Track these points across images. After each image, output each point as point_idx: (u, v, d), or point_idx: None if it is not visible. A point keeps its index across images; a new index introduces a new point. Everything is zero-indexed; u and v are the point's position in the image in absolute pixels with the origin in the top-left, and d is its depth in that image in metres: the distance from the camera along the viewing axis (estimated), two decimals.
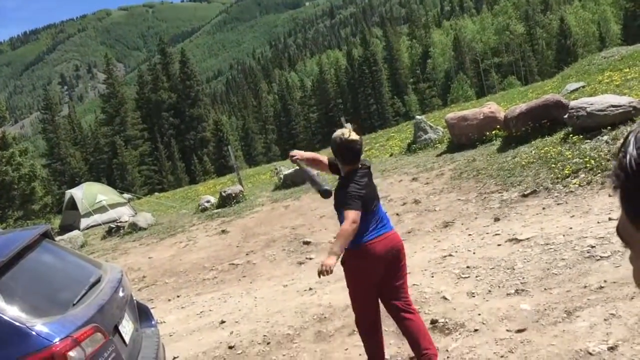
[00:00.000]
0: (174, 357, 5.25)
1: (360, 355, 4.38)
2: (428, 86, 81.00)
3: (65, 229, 18.62)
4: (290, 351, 4.77)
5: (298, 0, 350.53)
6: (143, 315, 4.06)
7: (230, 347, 5.12)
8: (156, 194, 35.05)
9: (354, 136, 3.85)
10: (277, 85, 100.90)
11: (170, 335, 6.02)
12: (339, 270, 5.00)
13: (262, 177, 21.86)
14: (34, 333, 2.78)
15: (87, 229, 17.81)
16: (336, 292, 5.94)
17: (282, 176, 15.68)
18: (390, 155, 15.81)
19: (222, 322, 6.00)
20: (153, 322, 4.12)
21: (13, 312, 2.84)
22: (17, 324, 2.78)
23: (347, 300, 5.46)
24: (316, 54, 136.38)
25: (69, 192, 20.92)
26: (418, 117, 15.38)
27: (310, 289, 6.44)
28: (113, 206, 19.06)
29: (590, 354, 3.36)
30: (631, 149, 0.56)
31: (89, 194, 19.46)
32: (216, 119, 72.28)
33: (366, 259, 3.65)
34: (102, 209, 18.81)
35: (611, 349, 3.35)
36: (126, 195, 24.23)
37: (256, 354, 4.86)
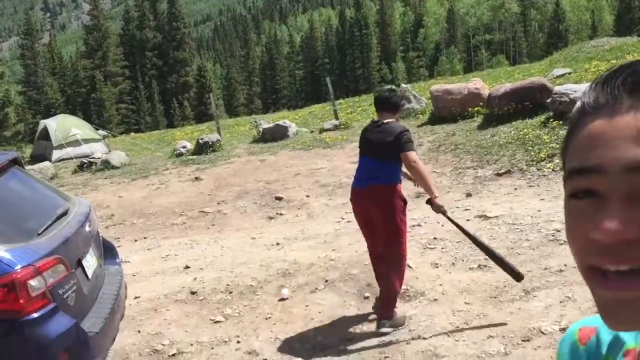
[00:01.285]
0: (136, 297, 5.26)
1: (320, 313, 4.46)
2: (417, 55, 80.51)
3: (36, 158, 18.33)
4: (251, 302, 4.82)
5: None
6: (108, 252, 4.05)
7: (193, 293, 5.15)
8: (132, 134, 34.60)
9: None
10: (266, 37, 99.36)
11: (134, 275, 6.03)
12: (307, 229, 5.03)
13: (241, 129, 21.67)
14: None
15: (59, 161, 17.55)
16: (302, 250, 6.00)
17: (261, 129, 15.58)
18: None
19: (187, 267, 6.02)
20: (117, 260, 4.11)
21: None
22: None
23: (311, 259, 5.54)
24: (309, 9, 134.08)
25: (43, 122, 20.53)
26: (403, 85, 15.34)
27: (278, 244, 6.48)
28: (87, 141, 18.77)
29: (543, 332, 3.47)
30: None
31: (63, 126, 19.11)
32: (200, 64, 71.07)
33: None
34: (75, 143, 18.51)
35: (563, 330, 3.45)
36: (101, 132, 23.85)
37: (217, 302, 4.90)
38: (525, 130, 9.18)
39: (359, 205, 4.20)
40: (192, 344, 4.19)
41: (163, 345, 4.22)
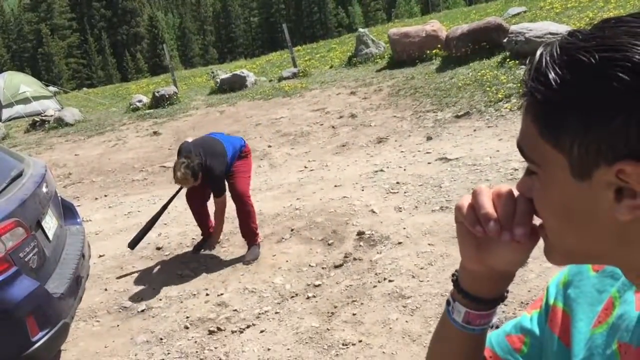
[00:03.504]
0: (100, 255, 5.21)
1: (287, 261, 4.50)
2: None
3: None
4: (217, 254, 4.82)
5: None
6: (68, 212, 3.97)
7: (158, 249, 5.13)
8: (84, 89, 33.53)
9: None
10: None
11: (97, 234, 5.96)
12: (270, 179, 5.01)
13: (198, 80, 21.22)
14: None
15: (9, 120, 16.91)
16: (267, 201, 6.00)
17: (218, 80, 15.28)
18: (331, 67, 15.62)
19: None
20: (78, 220, 4.03)
21: None
22: None
23: (276, 209, 5.56)
24: None
25: None
26: (361, 29, 15.15)
27: None
28: (37, 99, 18.09)
29: None
30: (550, 66, 0.56)
31: (11, 83, 18.34)
32: (151, 14, 68.85)
33: None
34: (25, 101, 17.82)
35: (527, 265, 3.58)
36: (52, 88, 23.07)
37: (183, 256, 4.89)
38: (482, 71, 9.23)
39: None
40: (160, 299, 4.20)
41: (131, 302, 4.21)
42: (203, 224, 4.98)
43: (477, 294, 0.74)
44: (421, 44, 12.16)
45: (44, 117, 14.78)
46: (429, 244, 4.25)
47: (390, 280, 3.79)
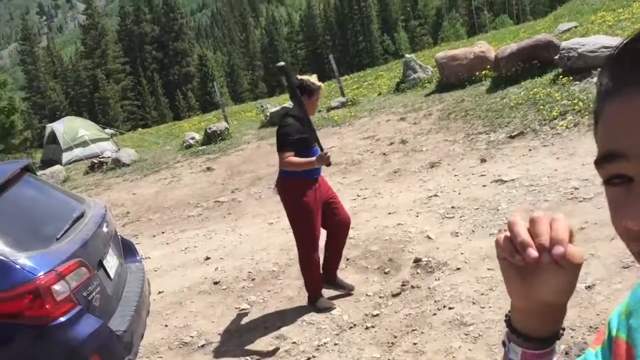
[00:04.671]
0: (159, 292, 5.29)
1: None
2: (419, 24, 79.54)
3: (46, 163, 18.43)
4: (274, 287, 4.82)
5: None
6: (127, 250, 4.06)
7: (216, 283, 5.17)
8: (139, 129, 34.65)
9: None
10: (265, 19, 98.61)
11: (155, 271, 6.07)
12: None
13: (248, 115, 21.63)
14: (18, 267, 2.77)
15: (69, 163, 17.63)
16: (322, 232, 5.98)
17: (268, 114, 15.53)
18: (379, 94, 15.65)
19: (207, 258, 6.03)
20: (138, 258, 4.12)
21: None
22: (1, 257, 2.76)
23: None
24: None
25: (50, 126, 20.59)
26: (407, 55, 15.16)
27: None
28: (95, 141, 18.82)
29: None
30: None
31: (70, 128, 19.17)
32: (201, 53, 70.96)
33: None
34: (84, 144, 18.56)
35: (589, 287, 3.42)
36: (108, 131, 23.92)
37: (241, 289, 4.91)
38: (535, 89, 9.04)
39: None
40: (219, 334, 4.21)
41: (191, 337, 4.25)
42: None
43: (531, 333, 0.72)
44: (470, 66, 12.05)
45: (102, 159, 15.33)
46: (489, 269, 4.12)
47: (450, 308, 3.69)
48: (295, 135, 3.93)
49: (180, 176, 11.31)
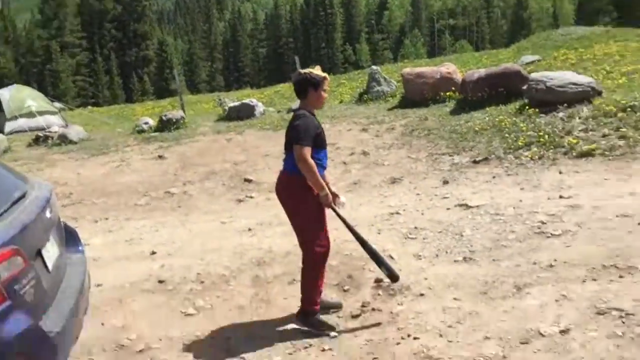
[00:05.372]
0: (98, 285, 4.87)
1: (299, 306, 4.18)
2: (382, 38, 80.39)
3: None
4: (224, 293, 4.50)
5: None
6: (70, 239, 3.67)
7: (161, 282, 4.81)
8: (89, 107, 33.48)
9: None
10: (230, 13, 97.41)
11: (95, 260, 5.61)
12: (281, 213, 4.72)
13: (205, 106, 21.13)
14: None
15: (11, 133, 16.66)
16: (277, 236, 5.70)
17: (227, 108, 15.11)
18: (340, 102, 15.48)
19: (153, 252, 5.65)
20: (80, 248, 3.73)
21: None
22: None
23: (287, 247, 5.24)
24: None
25: None
26: (374, 67, 15.03)
27: (250, 229, 6.16)
28: (42, 113, 17.89)
29: (542, 334, 3.27)
30: None
31: (17, 97, 18.17)
32: (161, 38, 69.47)
33: None
34: (29, 115, 17.61)
35: (563, 332, 3.27)
36: (57, 105, 22.88)
37: (188, 292, 4.57)
38: (500, 117, 9.03)
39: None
40: (161, 339, 3.86)
41: (130, 339, 3.88)
42: None
43: None
44: (435, 85, 12.02)
45: (47, 133, 14.54)
46: (455, 299, 3.94)
47: (415, 338, 3.47)
48: (314, 131, 3.66)
49: (130, 161, 10.78)
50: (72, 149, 12.55)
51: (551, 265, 4.21)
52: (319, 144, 3.74)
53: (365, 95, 14.42)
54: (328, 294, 4.29)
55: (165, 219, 7.28)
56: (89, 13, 63.89)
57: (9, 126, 17.15)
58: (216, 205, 7.78)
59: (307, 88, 3.81)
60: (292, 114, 4.00)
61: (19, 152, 13.15)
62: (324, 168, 3.93)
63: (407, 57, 53.05)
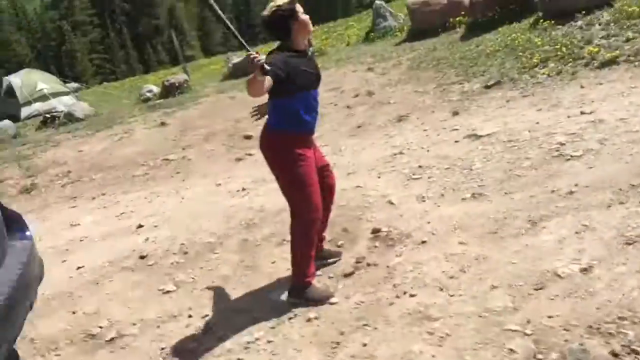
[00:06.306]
0: (78, 267, 4.51)
1: (287, 269, 3.71)
2: None
3: (3, 118, 17.22)
4: (208, 263, 4.06)
5: None
6: (13, 225, 3.24)
7: (142, 257, 4.40)
8: (104, 83, 33.21)
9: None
10: None
11: (81, 241, 5.27)
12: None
13: (213, 68, 20.55)
14: None
15: (28, 118, 16.47)
16: (270, 193, 5.21)
17: (231, 65, 14.56)
18: (347, 45, 14.74)
19: (140, 226, 5.24)
20: (27, 234, 3.30)
21: None
22: None
23: (280, 204, 4.75)
24: None
25: (7, 79, 19.25)
26: (377, 1, 14.19)
27: (244, 189, 5.71)
28: (55, 95, 17.66)
29: (560, 276, 2.73)
30: None
31: (28, 81, 17.97)
32: (171, 5, 68.44)
33: None
34: (43, 98, 17.40)
35: (584, 270, 2.73)
36: (72, 85, 22.64)
37: (169, 266, 4.15)
38: (513, 35, 8.26)
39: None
40: (135, 323, 3.46)
41: (100, 327, 3.49)
42: None
43: None
44: (443, 12, 11.21)
45: (54, 114, 14.26)
46: (460, 243, 3.41)
47: (411, 295, 2.98)
48: (287, 66, 2.98)
49: (132, 132, 10.37)
50: (78, 127, 12.24)
51: (571, 192, 3.63)
52: (301, 83, 3.11)
53: (372, 34, 13.68)
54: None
55: (160, 188, 6.87)
56: None
57: (24, 112, 16.95)
58: (215, 167, 7.33)
59: (288, 23, 3.18)
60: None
61: (27, 136, 12.91)
62: (316, 112, 3.33)
63: None
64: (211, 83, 14.25)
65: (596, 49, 6.70)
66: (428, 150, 5.39)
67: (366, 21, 18.16)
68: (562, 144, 4.47)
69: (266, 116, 3.47)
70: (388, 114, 7.46)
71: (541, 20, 8.15)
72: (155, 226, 5.13)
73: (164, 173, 7.61)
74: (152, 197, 6.44)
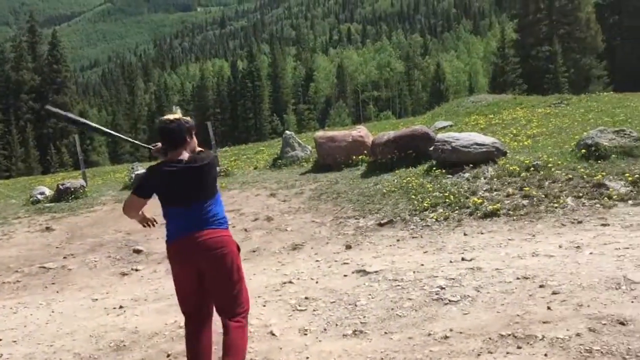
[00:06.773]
0: None
1: None
2: (307, 108, 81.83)
3: None
4: None
5: (190, 3, 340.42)
6: None
7: None
8: None
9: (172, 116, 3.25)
10: (155, 85, 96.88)
11: None
12: (163, 287, 4.03)
13: (117, 176, 20.11)
14: None
15: None
16: (148, 314, 4.96)
17: (133, 175, 14.30)
18: (255, 169, 15.01)
19: None
20: None
21: None
22: None
23: (156, 326, 4.53)
24: (201, 60, 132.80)
25: None
26: (287, 132, 14.73)
27: (121, 307, 5.38)
28: None
29: None
30: None
31: None
32: (82, 109, 67.87)
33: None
34: None
35: None
36: None
37: None
38: (408, 178, 8.75)
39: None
40: None
41: None
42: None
43: None
44: (348, 149, 11.75)
45: None
46: None
47: None
48: (151, 181, 3.37)
49: (13, 234, 9.74)
50: None
51: (446, 337, 3.69)
52: (163, 199, 3.15)
53: (279, 161, 14.03)
54: None
55: (31, 297, 6.35)
56: (5, 84, 61.95)
57: None
58: (95, 279, 6.92)
59: (185, 136, 3.38)
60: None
61: None
62: (183, 229, 3.31)
63: (332, 125, 53.98)
64: (110, 191, 13.83)
65: (480, 200, 7.19)
66: (317, 282, 5.39)
67: (276, 147, 18.71)
68: (442, 288, 4.62)
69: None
70: (284, 241, 7.48)
71: (434, 168, 8.73)
72: (14, 342, 4.67)
73: (38, 282, 7.08)
74: (18, 308, 5.92)
